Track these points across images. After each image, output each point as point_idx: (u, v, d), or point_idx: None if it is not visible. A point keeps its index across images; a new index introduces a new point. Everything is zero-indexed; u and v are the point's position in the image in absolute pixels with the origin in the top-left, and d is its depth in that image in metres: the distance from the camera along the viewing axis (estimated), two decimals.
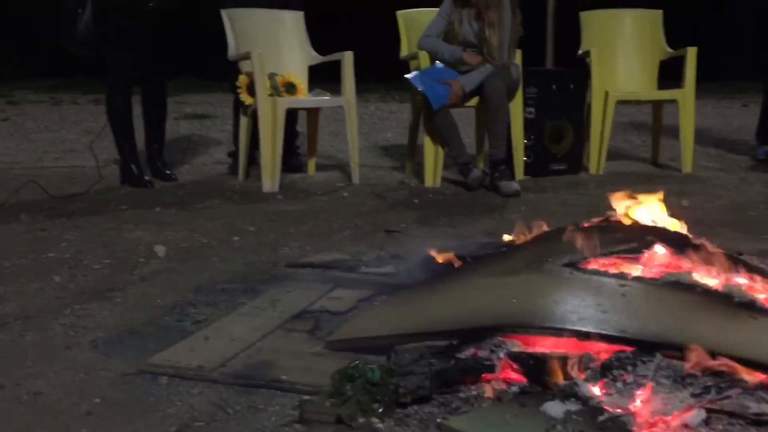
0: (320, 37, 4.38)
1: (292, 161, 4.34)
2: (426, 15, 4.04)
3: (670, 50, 4.33)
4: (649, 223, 1.93)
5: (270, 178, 3.76)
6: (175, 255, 2.57)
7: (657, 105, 4.49)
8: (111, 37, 3.63)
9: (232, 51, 3.98)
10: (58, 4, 3.76)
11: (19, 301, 2.09)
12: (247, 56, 3.80)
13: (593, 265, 1.73)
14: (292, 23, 4.22)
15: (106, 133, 3.90)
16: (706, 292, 1.57)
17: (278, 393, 1.50)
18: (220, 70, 4.68)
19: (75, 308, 2.03)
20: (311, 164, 4.30)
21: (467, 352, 1.55)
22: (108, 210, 3.28)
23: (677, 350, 1.45)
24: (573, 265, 1.74)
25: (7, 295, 2.15)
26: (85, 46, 3.60)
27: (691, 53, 4.08)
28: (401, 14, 4.21)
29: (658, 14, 4.44)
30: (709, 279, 1.63)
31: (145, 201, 3.46)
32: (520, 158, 4.00)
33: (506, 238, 2.18)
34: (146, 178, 3.84)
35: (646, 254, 1.73)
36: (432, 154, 3.86)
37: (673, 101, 4.19)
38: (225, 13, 4.01)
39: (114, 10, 3.61)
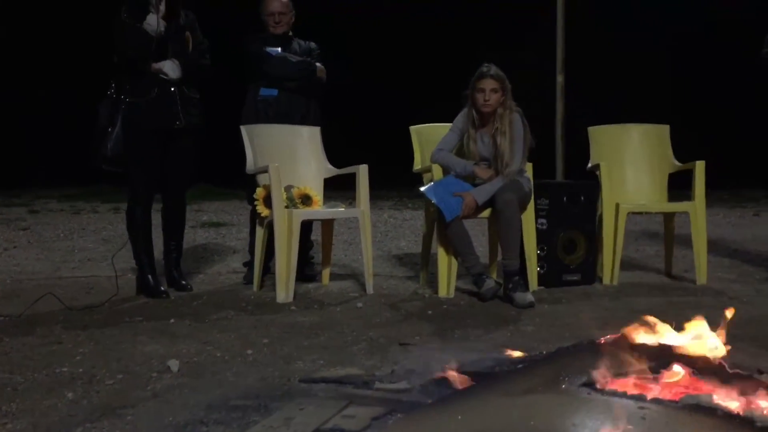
0: (336, 145, 4.53)
1: (306, 271, 4.38)
2: (438, 130, 4.17)
3: (678, 163, 4.42)
4: (667, 342, 1.92)
5: (284, 289, 3.78)
6: (188, 369, 2.55)
7: (668, 216, 4.53)
8: (139, 154, 3.77)
9: (250, 165, 4.10)
10: (82, 120, 3.93)
11: (31, 419, 2.07)
12: (264, 170, 3.91)
13: (612, 386, 1.71)
14: (309, 137, 4.36)
15: (119, 245, 3.97)
16: (727, 415, 1.54)
17: None
18: (236, 179, 4.80)
19: (86, 426, 2.01)
20: (326, 274, 4.32)
21: None
22: (123, 322, 3.29)
23: None
24: (591, 385, 1.72)
25: (19, 412, 2.13)
26: (113, 163, 3.73)
27: (700, 167, 4.16)
28: (414, 129, 4.35)
29: (665, 129, 4.57)
30: (730, 401, 1.60)
31: (160, 312, 3.48)
32: (533, 269, 4.01)
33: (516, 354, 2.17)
34: (162, 288, 3.87)
35: (665, 374, 1.72)
36: (445, 264, 3.88)
37: (685, 211, 4.23)
38: (244, 129, 4.17)
39: (144, 129, 3.76)
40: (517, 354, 2.30)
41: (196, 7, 3.99)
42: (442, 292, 3.88)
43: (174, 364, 2.57)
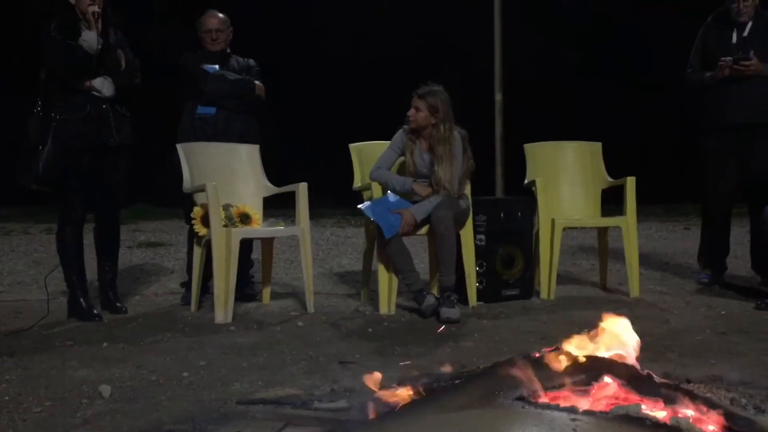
0: (277, 163, 4.50)
1: (246, 290, 4.33)
2: (377, 147, 4.19)
3: (610, 179, 4.55)
4: (599, 354, 1.96)
5: (223, 309, 3.72)
6: (121, 394, 2.48)
7: (602, 230, 4.65)
8: (71, 173, 3.66)
9: (187, 184, 4.04)
10: (7, 137, 3.79)
11: None
12: (202, 189, 3.85)
13: (545, 399, 1.74)
14: (247, 156, 4.32)
15: (52, 266, 3.84)
16: (655, 425, 1.58)
17: None
18: (174, 198, 4.72)
19: None
20: (266, 293, 4.27)
21: None
22: (53, 347, 3.18)
23: None
24: (525, 399, 1.74)
25: None
26: (45, 182, 3.60)
27: (630, 183, 4.28)
28: (354, 147, 4.35)
29: (597, 146, 4.69)
30: (658, 411, 1.64)
31: (93, 336, 3.37)
32: (472, 285, 4.06)
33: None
34: (95, 311, 3.76)
35: (596, 386, 1.76)
36: (386, 281, 3.89)
37: (617, 226, 4.35)
38: (180, 147, 4.10)
39: (77, 146, 3.66)
40: (455, 370, 2.32)
41: (129, 26, 3.92)
42: (383, 309, 3.89)
43: (106, 390, 2.49)
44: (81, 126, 3.67)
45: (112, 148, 3.78)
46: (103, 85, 3.72)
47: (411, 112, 3.93)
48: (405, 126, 4.02)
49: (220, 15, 4.33)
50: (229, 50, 4.38)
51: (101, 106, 3.73)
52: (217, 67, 4.28)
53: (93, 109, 3.70)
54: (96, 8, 3.64)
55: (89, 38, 3.63)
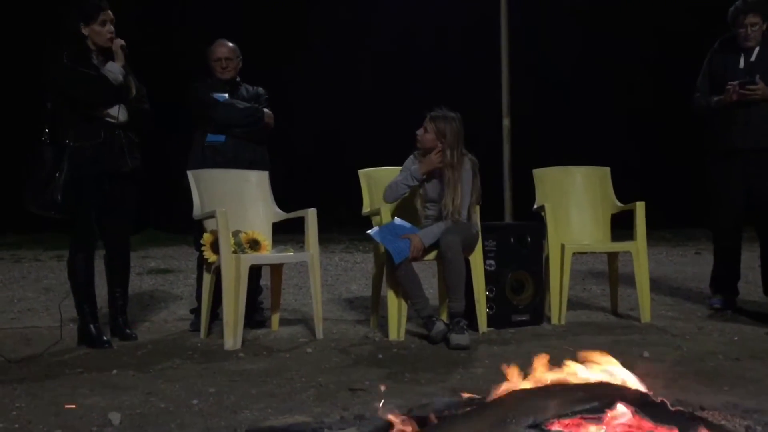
0: (286, 189, 4.52)
1: (255, 317, 4.32)
2: (387, 173, 4.21)
3: (620, 204, 4.54)
4: (610, 381, 1.94)
5: (232, 336, 3.72)
6: (131, 422, 2.47)
7: (612, 255, 4.63)
8: (85, 200, 3.68)
9: (197, 210, 4.06)
10: (20, 166, 3.81)
11: None
12: (212, 215, 3.87)
13: (557, 426, 1.72)
14: (257, 182, 4.35)
15: (66, 291, 3.86)
16: None
17: None
18: (185, 224, 4.74)
19: None
20: (275, 319, 4.27)
21: None
22: (63, 374, 3.18)
23: None
24: (537, 427, 1.73)
25: None
26: (59, 209, 3.62)
27: (640, 208, 4.28)
28: (363, 173, 4.37)
29: (606, 171, 4.69)
30: None
31: (103, 363, 3.37)
32: (482, 310, 4.04)
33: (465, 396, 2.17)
34: (104, 338, 3.76)
35: (608, 414, 1.74)
36: (395, 307, 3.88)
37: (628, 251, 4.33)
38: (191, 174, 4.13)
39: (91, 173, 3.69)
40: (465, 396, 2.30)
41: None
42: (393, 335, 3.87)
43: (115, 417, 2.48)
44: (96, 152, 3.70)
45: (124, 174, 3.81)
46: (119, 112, 3.76)
47: (420, 131, 3.96)
48: (416, 152, 4.05)
49: (230, 44, 4.38)
50: (238, 78, 4.43)
51: (114, 132, 3.76)
52: (226, 95, 4.32)
53: (107, 135, 3.74)
54: (122, 41, 3.72)
55: (114, 70, 3.71)
